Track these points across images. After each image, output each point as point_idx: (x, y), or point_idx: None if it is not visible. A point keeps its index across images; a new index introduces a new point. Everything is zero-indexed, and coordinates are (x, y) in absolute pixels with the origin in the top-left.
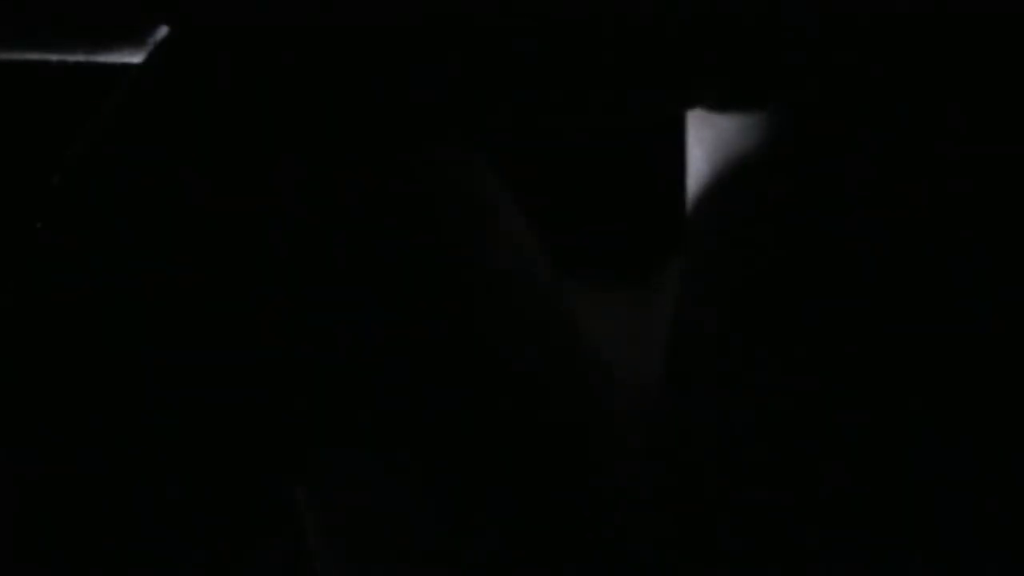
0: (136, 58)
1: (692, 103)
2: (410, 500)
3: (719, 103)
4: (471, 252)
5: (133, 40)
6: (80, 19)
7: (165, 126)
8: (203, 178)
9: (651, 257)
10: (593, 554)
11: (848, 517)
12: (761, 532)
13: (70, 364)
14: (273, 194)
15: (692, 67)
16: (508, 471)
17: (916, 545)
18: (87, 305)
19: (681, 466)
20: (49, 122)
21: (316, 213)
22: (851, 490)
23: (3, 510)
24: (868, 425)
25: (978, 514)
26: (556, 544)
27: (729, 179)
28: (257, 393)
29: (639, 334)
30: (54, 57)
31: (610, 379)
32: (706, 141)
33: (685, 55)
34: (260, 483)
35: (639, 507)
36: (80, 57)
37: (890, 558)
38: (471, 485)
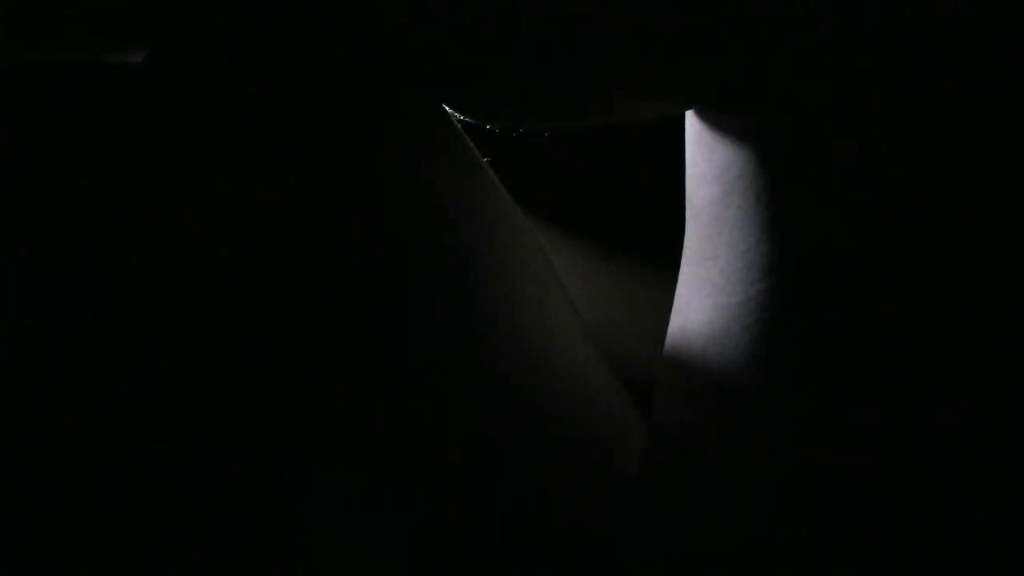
0: (136, 58)
1: (692, 103)
2: (406, 501)
3: (719, 103)
4: (471, 254)
5: (133, 40)
6: (81, 19)
7: (165, 126)
8: (204, 177)
9: (650, 256)
10: (589, 555)
11: (850, 521)
12: (761, 535)
13: (71, 362)
14: (276, 194)
15: (692, 67)
16: (505, 470)
17: (923, 553)
18: (87, 304)
19: (681, 465)
20: (49, 122)
21: (316, 212)
22: (853, 495)
23: (8, 511)
24: (868, 428)
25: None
26: (554, 545)
27: (729, 179)
28: (255, 392)
29: (638, 332)
30: (55, 57)
31: (610, 378)
32: (706, 141)
33: (685, 55)
34: (263, 484)
35: (639, 507)
36: (80, 57)
37: (894, 564)
38: (467, 484)
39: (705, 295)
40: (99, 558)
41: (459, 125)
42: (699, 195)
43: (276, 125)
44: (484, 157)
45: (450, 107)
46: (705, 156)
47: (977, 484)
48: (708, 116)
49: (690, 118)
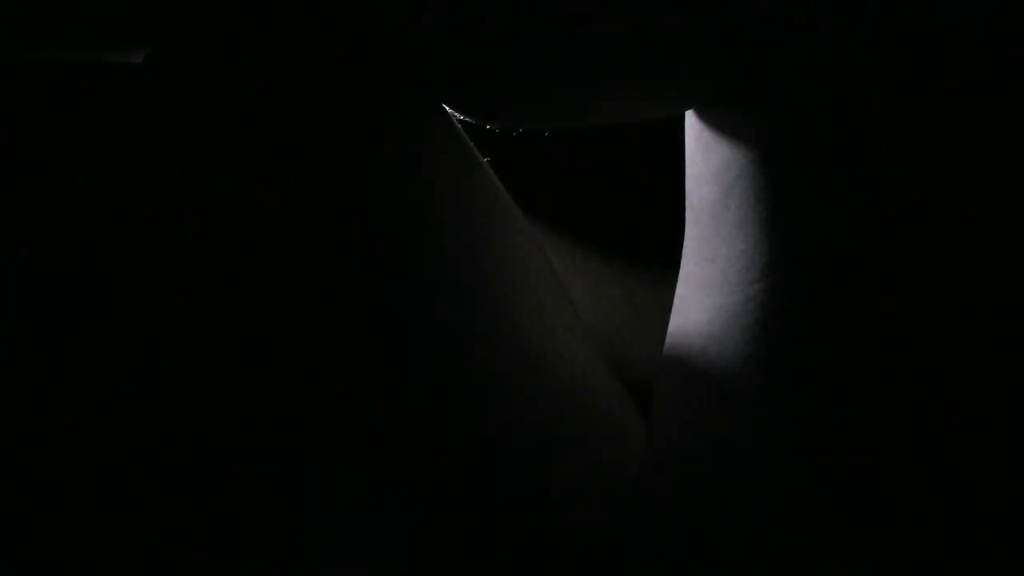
0: (136, 58)
1: (692, 103)
2: (406, 502)
3: (719, 103)
4: (471, 254)
5: (133, 40)
6: (81, 19)
7: (165, 126)
8: (204, 177)
9: (650, 256)
10: (591, 554)
11: (850, 521)
12: (761, 536)
13: (71, 362)
14: (276, 194)
15: (692, 67)
16: (505, 470)
17: (923, 552)
18: (87, 304)
19: (681, 464)
20: (49, 122)
21: (316, 212)
22: (853, 495)
23: (8, 511)
24: (868, 428)
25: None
26: (554, 545)
27: (729, 179)
28: (255, 392)
29: (638, 332)
30: (55, 57)
31: (610, 378)
32: (706, 141)
33: (685, 55)
34: (263, 484)
35: (639, 507)
36: (80, 57)
37: (894, 564)
38: (467, 484)
39: (705, 295)
40: (99, 558)
41: (459, 125)
42: (699, 195)
43: (276, 125)
44: (484, 157)
45: (450, 107)
46: (705, 156)
47: (977, 484)
48: (708, 116)
49: (690, 118)
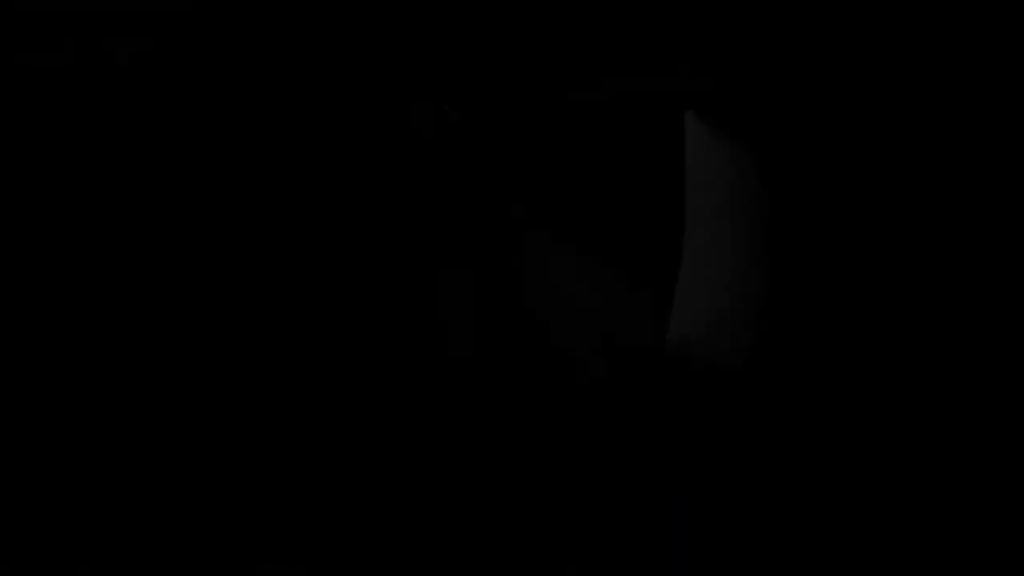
0: (135, 58)
1: (691, 103)
2: (405, 498)
3: (716, 103)
4: (472, 254)
5: (133, 40)
6: (81, 18)
7: (165, 126)
8: (204, 177)
9: (650, 256)
10: (593, 542)
11: (850, 513)
12: (761, 523)
13: (70, 362)
14: (275, 193)
15: (691, 66)
16: (505, 461)
17: (914, 540)
18: (87, 304)
19: (680, 456)
20: (49, 122)
21: (315, 212)
22: (851, 488)
23: (7, 511)
24: (867, 426)
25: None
26: (556, 537)
27: (729, 179)
28: (255, 389)
29: (638, 332)
30: (55, 57)
31: (611, 376)
32: (706, 141)
33: (684, 55)
34: (260, 479)
35: (638, 490)
36: (80, 57)
37: (889, 552)
38: (467, 474)
39: (705, 295)
40: (98, 558)
41: (458, 125)
42: (699, 196)
43: (276, 126)
44: (484, 158)
45: (450, 106)
46: (705, 156)
47: (976, 483)
48: (708, 117)
49: (690, 118)
